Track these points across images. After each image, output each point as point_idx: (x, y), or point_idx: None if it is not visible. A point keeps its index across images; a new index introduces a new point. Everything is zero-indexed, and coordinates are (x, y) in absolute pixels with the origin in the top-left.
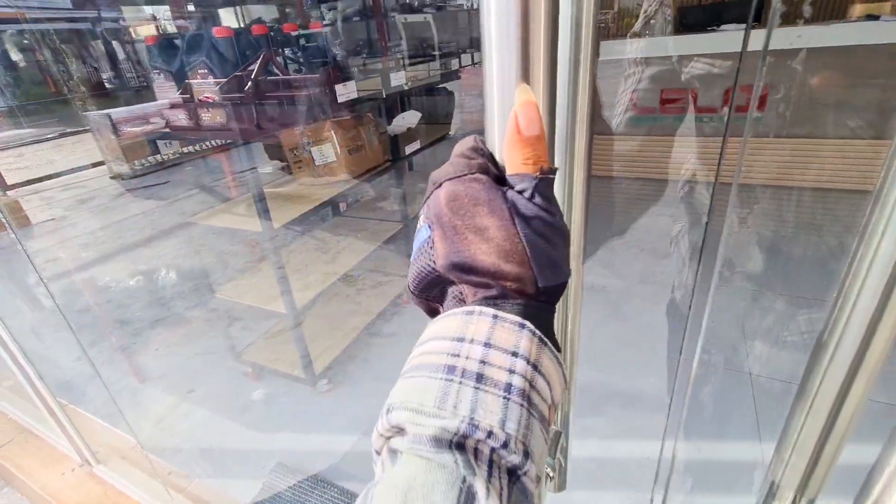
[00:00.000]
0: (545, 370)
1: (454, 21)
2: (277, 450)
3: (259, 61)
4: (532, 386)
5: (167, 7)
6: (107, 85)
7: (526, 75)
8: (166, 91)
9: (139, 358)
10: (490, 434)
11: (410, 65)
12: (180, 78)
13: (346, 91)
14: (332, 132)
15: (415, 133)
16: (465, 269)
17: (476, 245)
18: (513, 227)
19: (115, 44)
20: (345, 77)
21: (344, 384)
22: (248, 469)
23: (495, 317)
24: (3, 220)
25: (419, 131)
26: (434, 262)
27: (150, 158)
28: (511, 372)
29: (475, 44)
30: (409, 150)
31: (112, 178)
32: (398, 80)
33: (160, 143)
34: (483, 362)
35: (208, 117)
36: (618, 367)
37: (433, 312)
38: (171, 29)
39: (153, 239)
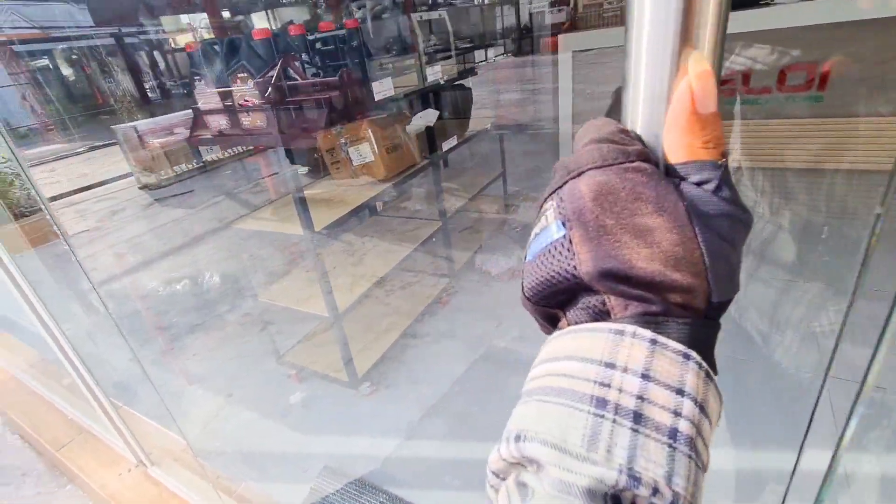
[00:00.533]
0: (710, 411)
1: (467, 17)
2: (321, 453)
3: (278, 66)
4: (699, 431)
5: (204, 15)
6: (149, 94)
7: (687, 38)
8: (208, 97)
9: (180, 363)
10: (655, 491)
11: (428, 63)
12: (221, 83)
13: (382, 88)
14: (370, 131)
15: (450, 129)
16: (620, 278)
17: (634, 249)
18: (690, 229)
19: (155, 54)
20: (380, 75)
21: (384, 386)
22: (292, 472)
23: (654, 342)
24: (56, 231)
25: (449, 127)
26: (574, 267)
27: (176, 168)
28: (676, 414)
29: (490, 37)
30: (445, 146)
31: (140, 188)
32: (434, 74)
33: (202, 149)
34: (641, 398)
35: (248, 121)
36: None
37: (551, 319)
38: (208, 36)
39: (185, 246)
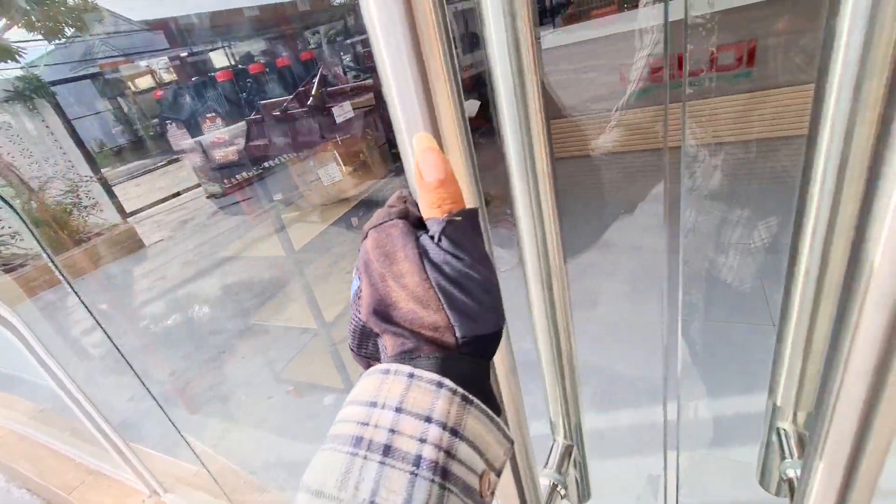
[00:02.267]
0: (471, 433)
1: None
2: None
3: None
4: (450, 455)
5: (164, 58)
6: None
7: (434, 124)
8: (179, 139)
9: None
10: None
11: None
12: (191, 125)
13: (342, 112)
14: (334, 152)
15: None
16: (384, 317)
17: (396, 292)
18: (424, 273)
19: (119, 99)
20: (339, 98)
21: None
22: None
23: (411, 375)
24: (60, 276)
25: None
26: (359, 310)
27: (238, 177)
28: (422, 441)
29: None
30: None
31: (207, 197)
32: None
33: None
34: (392, 431)
35: (221, 156)
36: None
37: None
38: (168, 77)
39: (233, 258)
